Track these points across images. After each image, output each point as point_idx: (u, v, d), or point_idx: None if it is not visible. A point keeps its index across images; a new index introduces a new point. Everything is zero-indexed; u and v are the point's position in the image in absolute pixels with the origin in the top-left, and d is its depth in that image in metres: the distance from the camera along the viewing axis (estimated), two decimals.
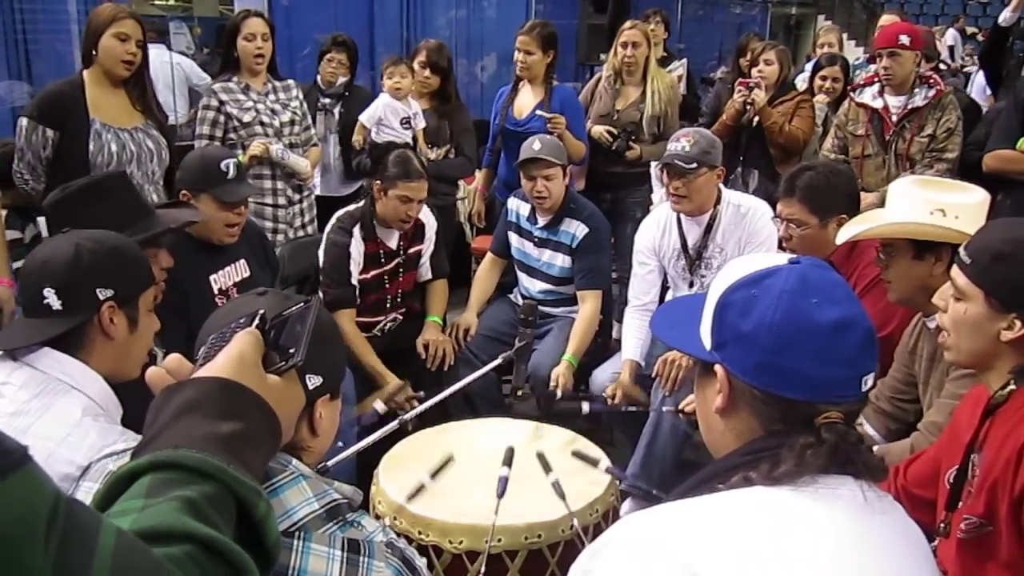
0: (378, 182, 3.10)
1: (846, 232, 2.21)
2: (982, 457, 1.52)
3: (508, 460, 2.01)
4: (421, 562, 1.20)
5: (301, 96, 3.73)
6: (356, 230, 3.13)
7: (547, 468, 2.05)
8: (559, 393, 2.96)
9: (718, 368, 1.03)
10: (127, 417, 1.64)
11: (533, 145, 3.19)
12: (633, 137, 4.04)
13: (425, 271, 3.38)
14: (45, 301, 1.59)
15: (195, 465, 0.68)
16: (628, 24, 4.18)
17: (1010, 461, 1.43)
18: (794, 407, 0.98)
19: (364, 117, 3.88)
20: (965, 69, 8.33)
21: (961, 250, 1.56)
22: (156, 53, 5.88)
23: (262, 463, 0.77)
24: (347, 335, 3.03)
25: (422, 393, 2.99)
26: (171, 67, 5.62)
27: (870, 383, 1.00)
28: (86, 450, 1.48)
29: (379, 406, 2.63)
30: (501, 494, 1.90)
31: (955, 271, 1.56)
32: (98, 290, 1.61)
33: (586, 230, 3.25)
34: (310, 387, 1.13)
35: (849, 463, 0.95)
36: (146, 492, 0.66)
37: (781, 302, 0.98)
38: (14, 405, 1.53)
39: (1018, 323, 1.47)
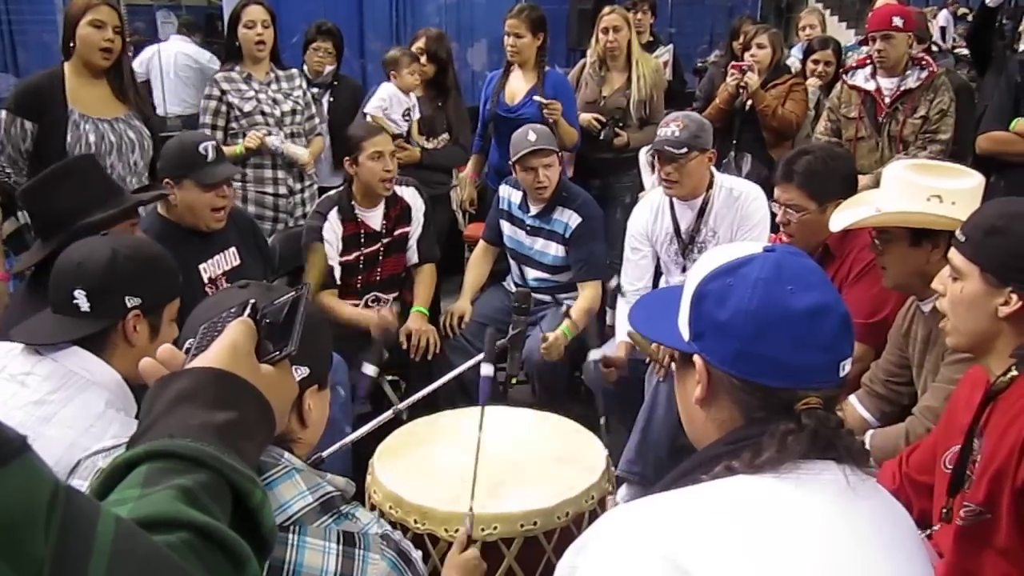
0: (347, 158, 3.13)
1: (841, 219, 2.19)
2: (983, 444, 1.51)
3: (490, 355, 1.93)
4: (416, 554, 1.19)
5: (305, 85, 3.74)
6: (332, 213, 3.14)
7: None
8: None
9: (696, 358, 1.03)
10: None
11: (528, 136, 3.15)
12: (620, 124, 4.04)
13: (412, 255, 3.37)
14: (74, 301, 1.63)
15: (191, 454, 0.68)
16: (607, 10, 4.16)
17: (1013, 450, 1.42)
18: (773, 394, 0.98)
19: (371, 108, 3.80)
20: (956, 50, 8.32)
21: (957, 231, 1.56)
22: (174, 44, 5.86)
23: (257, 452, 0.77)
24: (327, 306, 3.05)
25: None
26: (183, 57, 5.60)
27: (848, 368, 1.01)
28: (108, 441, 1.49)
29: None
30: (483, 401, 1.82)
31: (952, 252, 1.56)
32: (127, 298, 1.64)
33: (579, 219, 3.24)
34: (297, 378, 1.13)
35: (830, 448, 0.96)
36: (143, 481, 0.66)
37: (757, 290, 0.98)
38: (38, 395, 1.56)
39: (1014, 297, 1.46)
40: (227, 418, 0.73)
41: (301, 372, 1.14)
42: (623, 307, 3.14)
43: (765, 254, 1.02)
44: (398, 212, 3.26)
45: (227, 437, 0.72)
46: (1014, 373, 1.48)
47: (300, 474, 1.11)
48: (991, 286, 1.49)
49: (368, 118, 3.76)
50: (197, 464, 0.68)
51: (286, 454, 1.13)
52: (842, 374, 1.00)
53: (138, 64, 5.99)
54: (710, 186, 3.00)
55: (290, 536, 1.05)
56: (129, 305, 1.64)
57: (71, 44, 2.96)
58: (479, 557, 1.68)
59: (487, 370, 1.87)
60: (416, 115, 3.91)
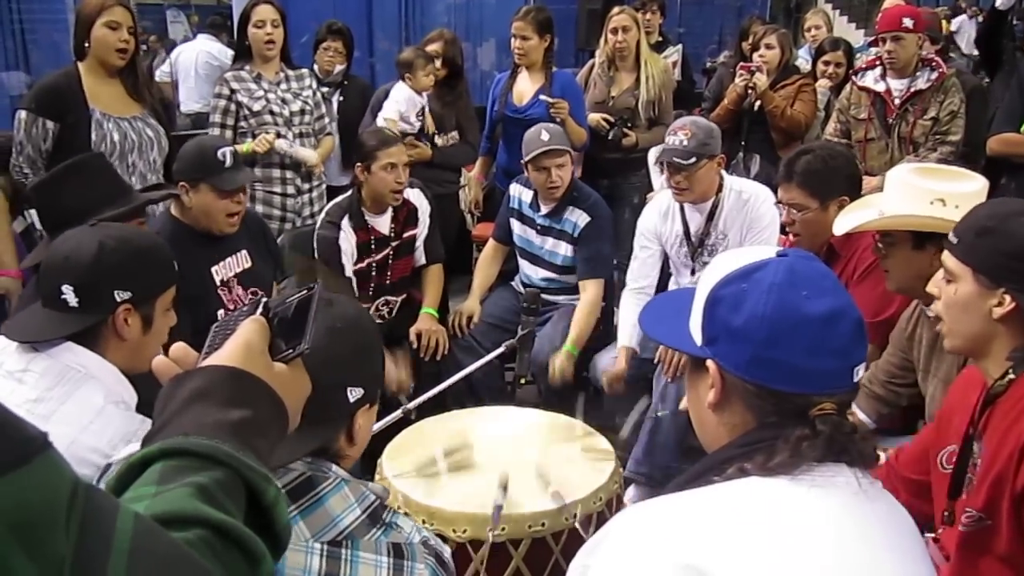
0: (359, 164, 3.12)
1: (844, 223, 2.19)
2: (983, 449, 1.50)
3: (504, 485, 1.95)
4: (448, 554, 1.22)
5: (315, 85, 3.74)
6: (344, 222, 3.13)
7: (546, 483, 1.99)
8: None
9: (710, 363, 1.03)
10: (139, 406, 1.65)
11: (541, 136, 3.14)
12: (629, 124, 4.03)
13: (420, 256, 3.37)
14: (62, 296, 1.60)
15: (206, 452, 0.68)
16: (616, 10, 4.17)
17: (1012, 456, 1.42)
18: (787, 400, 0.98)
19: (391, 113, 3.78)
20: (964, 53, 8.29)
21: (950, 233, 1.56)
22: (199, 43, 5.88)
23: (270, 449, 0.77)
24: None
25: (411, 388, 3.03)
26: (205, 55, 5.63)
27: (861, 373, 1.01)
28: (109, 438, 1.50)
29: None
30: (495, 520, 1.84)
31: (945, 254, 1.56)
32: (116, 292, 1.61)
33: (587, 219, 3.24)
34: (351, 400, 1.15)
35: (844, 452, 0.96)
36: (158, 479, 0.66)
37: (771, 295, 0.98)
38: (36, 392, 1.54)
39: (1007, 298, 1.45)
40: (241, 416, 0.73)
41: (356, 393, 1.16)
42: (626, 304, 3.14)
43: (779, 259, 1.01)
44: (405, 215, 3.27)
45: (241, 435, 0.72)
46: (1012, 376, 1.47)
47: (348, 486, 1.12)
48: (984, 287, 1.48)
49: (382, 121, 3.76)
50: (212, 462, 0.68)
51: (334, 467, 1.14)
52: (856, 379, 1.00)
53: (166, 64, 6.04)
54: (720, 189, 2.99)
55: (343, 551, 1.06)
56: (119, 299, 1.61)
57: (85, 45, 2.97)
58: None
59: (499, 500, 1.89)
60: (426, 113, 3.90)
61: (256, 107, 3.50)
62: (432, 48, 3.95)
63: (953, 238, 1.54)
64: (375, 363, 1.24)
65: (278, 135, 3.50)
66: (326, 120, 3.79)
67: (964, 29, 10.18)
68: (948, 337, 1.59)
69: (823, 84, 4.38)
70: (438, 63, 3.90)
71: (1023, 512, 1.41)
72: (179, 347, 0.86)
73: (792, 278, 0.99)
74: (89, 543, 0.54)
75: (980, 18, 10.41)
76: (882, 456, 2.02)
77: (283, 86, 3.58)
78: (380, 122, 3.80)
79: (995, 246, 1.47)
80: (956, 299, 1.52)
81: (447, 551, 1.20)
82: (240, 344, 0.80)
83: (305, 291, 0.95)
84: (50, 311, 1.63)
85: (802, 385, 0.98)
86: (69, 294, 1.60)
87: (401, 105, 3.78)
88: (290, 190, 3.57)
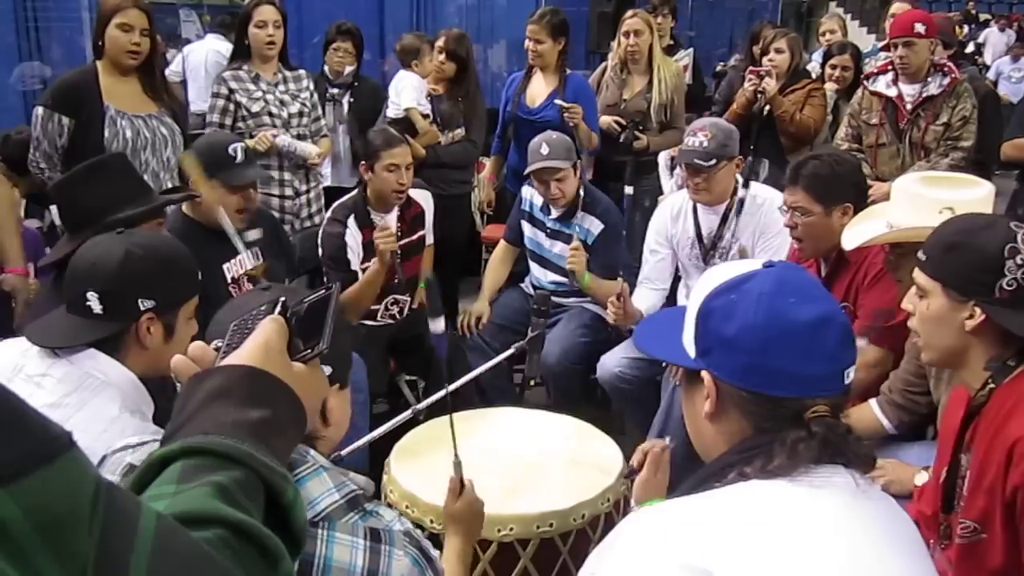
0: (363, 163, 3.13)
1: (854, 236, 2.20)
2: (971, 460, 1.53)
3: (437, 310, 1.82)
4: (435, 553, 1.21)
5: (312, 87, 3.73)
6: (350, 220, 3.14)
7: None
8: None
9: (705, 374, 1.05)
10: (155, 413, 1.66)
11: (541, 150, 3.14)
12: (640, 127, 4.03)
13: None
14: (87, 303, 1.61)
15: (225, 451, 0.68)
16: (629, 13, 4.18)
17: (1001, 464, 1.44)
18: (782, 405, 1.00)
19: (412, 102, 3.87)
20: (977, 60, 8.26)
21: (920, 251, 1.60)
22: (208, 43, 5.90)
23: (288, 449, 0.78)
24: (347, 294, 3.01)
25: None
26: (214, 54, 5.66)
27: (852, 375, 1.03)
28: (133, 438, 1.50)
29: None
30: (443, 355, 1.85)
31: (916, 271, 1.60)
32: (140, 300, 1.61)
33: (600, 226, 3.24)
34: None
35: (839, 454, 0.99)
36: (178, 478, 0.66)
37: (761, 304, 1.01)
38: (53, 397, 1.55)
39: (977, 310, 1.49)
40: (260, 416, 0.73)
41: (324, 372, 1.16)
42: (639, 294, 3.13)
43: (766, 270, 1.05)
44: (412, 216, 3.28)
45: (260, 434, 0.72)
46: (992, 385, 1.50)
47: (327, 472, 1.13)
48: (955, 301, 1.52)
49: (396, 110, 3.82)
50: (232, 461, 0.68)
51: (312, 451, 1.15)
52: (847, 381, 1.03)
53: (176, 64, 6.05)
54: (734, 192, 3.00)
55: (319, 531, 1.07)
56: (143, 307, 1.61)
57: (100, 43, 3.00)
58: (477, 500, 1.64)
59: (437, 327, 1.82)
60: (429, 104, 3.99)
61: (255, 108, 3.49)
62: (437, 44, 3.99)
63: (922, 255, 1.58)
64: (341, 343, 1.20)
65: (275, 135, 3.49)
66: (322, 122, 3.79)
67: (990, 40, 10.13)
68: (924, 351, 1.63)
69: (829, 88, 4.36)
70: (442, 57, 3.92)
71: (1015, 519, 1.43)
72: (198, 346, 0.87)
73: (780, 287, 1.02)
74: (112, 542, 0.55)
75: (1000, 27, 10.35)
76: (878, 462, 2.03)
77: (281, 87, 3.57)
78: (392, 112, 3.86)
79: (963, 261, 1.51)
80: (929, 314, 1.56)
81: (435, 552, 1.20)
82: (259, 343, 0.81)
83: (323, 290, 0.96)
84: (74, 317, 1.63)
85: (795, 389, 1.00)
86: (94, 301, 1.60)
87: (418, 92, 3.85)
88: (288, 192, 3.56)
